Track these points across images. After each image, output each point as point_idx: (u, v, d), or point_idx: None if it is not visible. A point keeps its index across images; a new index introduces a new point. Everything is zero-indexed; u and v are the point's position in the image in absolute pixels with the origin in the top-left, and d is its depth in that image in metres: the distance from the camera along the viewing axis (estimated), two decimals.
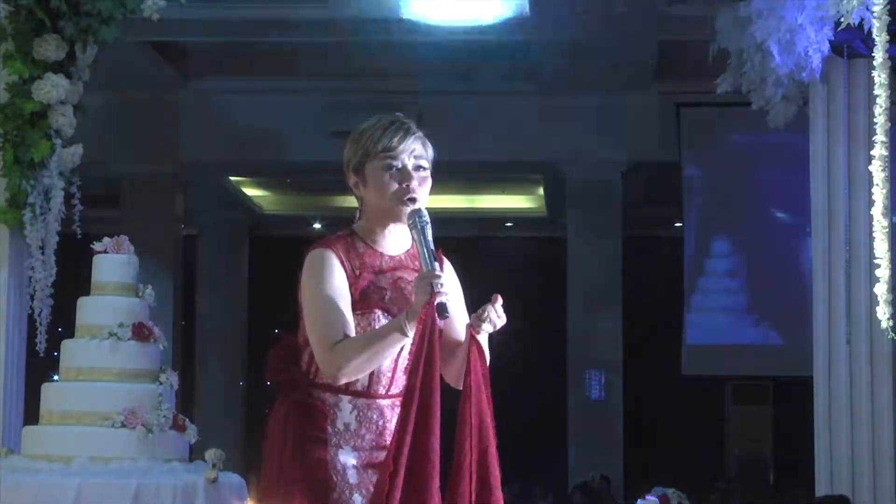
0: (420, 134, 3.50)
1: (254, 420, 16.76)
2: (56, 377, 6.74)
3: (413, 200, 3.43)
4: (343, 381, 3.38)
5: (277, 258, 17.62)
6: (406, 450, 3.18)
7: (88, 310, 6.67)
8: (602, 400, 14.16)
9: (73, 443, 6.37)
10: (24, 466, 6.32)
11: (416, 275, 3.44)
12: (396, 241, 3.52)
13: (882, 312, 6.70)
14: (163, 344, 6.74)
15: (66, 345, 6.67)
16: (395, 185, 3.43)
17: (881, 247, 6.66)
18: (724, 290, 13.82)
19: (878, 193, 6.61)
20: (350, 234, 3.51)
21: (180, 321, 14.78)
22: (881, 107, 6.51)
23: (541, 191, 16.50)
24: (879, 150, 6.59)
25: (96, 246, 6.73)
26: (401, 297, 3.45)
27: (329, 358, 3.34)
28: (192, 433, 6.64)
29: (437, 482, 3.20)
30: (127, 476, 6.17)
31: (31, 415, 6.81)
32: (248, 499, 6.64)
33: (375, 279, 3.45)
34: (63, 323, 7.09)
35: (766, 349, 13.61)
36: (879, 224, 6.56)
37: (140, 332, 6.58)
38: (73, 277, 7.02)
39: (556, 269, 15.01)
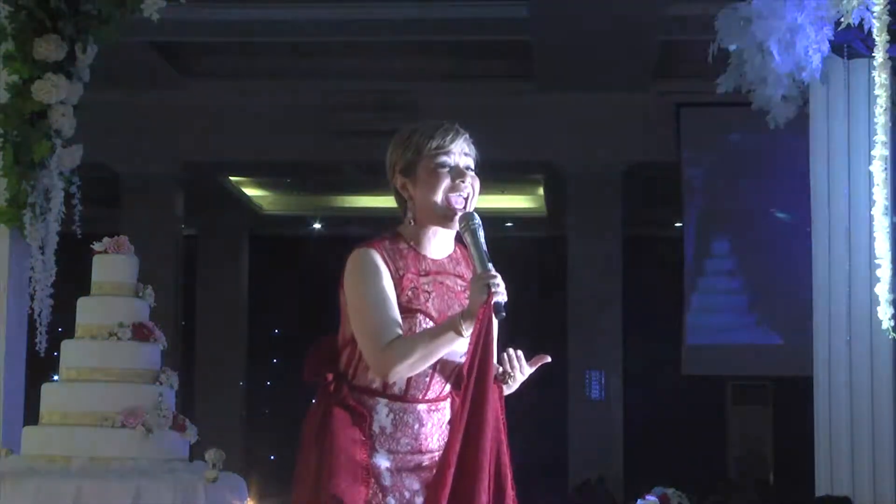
0: (468, 136, 3.54)
1: (254, 420, 16.77)
2: (56, 377, 6.73)
3: (466, 200, 3.45)
4: (393, 379, 3.39)
5: (277, 258, 17.67)
6: (458, 445, 3.22)
7: (88, 310, 6.66)
8: (602, 400, 14.17)
9: (73, 443, 6.35)
10: (24, 466, 6.32)
11: (458, 280, 3.48)
12: (440, 245, 3.53)
13: (882, 312, 6.71)
14: (163, 344, 6.73)
15: (66, 345, 6.66)
16: (448, 182, 3.45)
17: (882, 247, 6.67)
18: (724, 290, 13.83)
19: (879, 193, 6.61)
20: (394, 235, 3.51)
21: (180, 321, 14.78)
22: (881, 107, 6.51)
23: (541, 191, 16.51)
24: (879, 150, 6.60)
25: (96, 246, 6.72)
26: (442, 301, 3.46)
27: (382, 358, 3.35)
28: (192, 433, 6.63)
29: (486, 477, 3.24)
30: (127, 476, 6.17)
31: (31, 415, 6.80)
32: (248, 499, 6.63)
33: (418, 281, 3.46)
34: (63, 323, 7.08)
35: (766, 349, 13.61)
36: (880, 224, 6.57)
37: (140, 332, 6.57)
38: (73, 277, 7.02)
39: (556, 269, 15.01)
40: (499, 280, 3.29)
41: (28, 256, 7.20)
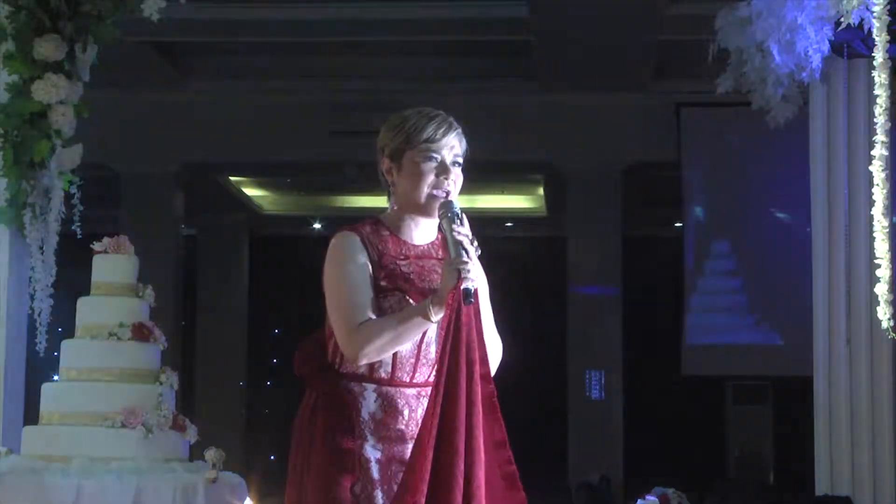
0: (460, 130, 3.55)
1: (254, 420, 16.77)
2: (56, 377, 6.73)
3: (447, 195, 3.47)
4: (363, 362, 3.40)
5: (277, 258, 17.66)
6: (434, 432, 3.21)
7: (88, 310, 6.66)
8: (602, 400, 14.16)
9: (73, 443, 6.36)
10: (24, 466, 6.32)
11: (440, 265, 3.47)
12: (422, 231, 3.55)
13: (882, 312, 6.70)
14: (163, 344, 6.74)
15: (66, 345, 6.66)
16: (433, 178, 3.47)
17: (881, 247, 6.66)
18: (724, 290, 13.82)
19: (878, 193, 6.61)
20: (376, 221, 3.54)
21: (180, 321, 14.78)
22: (881, 107, 6.51)
23: (541, 191, 16.50)
24: (879, 150, 6.59)
25: (96, 246, 6.72)
26: (422, 283, 3.47)
27: (351, 339, 3.37)
28: (192, 433, 6.63)
29: (461, 468, 3.22)
30: (127, 476, 6.17)
31: (31, 415, 6.81)
32: (248, 499, 6.63)
33: (398, 263, 3.47)
34: (63, 323, 7.08)
35: (766, 349, 13.61)
36: (879, 224, 6.57)
37: (140, 332, 6.58)
38: (73, 277, 7.02)
39: (556, 269, 15.00)
40: (470, 267, 3.30)
41: (28, 256, 7.20)
